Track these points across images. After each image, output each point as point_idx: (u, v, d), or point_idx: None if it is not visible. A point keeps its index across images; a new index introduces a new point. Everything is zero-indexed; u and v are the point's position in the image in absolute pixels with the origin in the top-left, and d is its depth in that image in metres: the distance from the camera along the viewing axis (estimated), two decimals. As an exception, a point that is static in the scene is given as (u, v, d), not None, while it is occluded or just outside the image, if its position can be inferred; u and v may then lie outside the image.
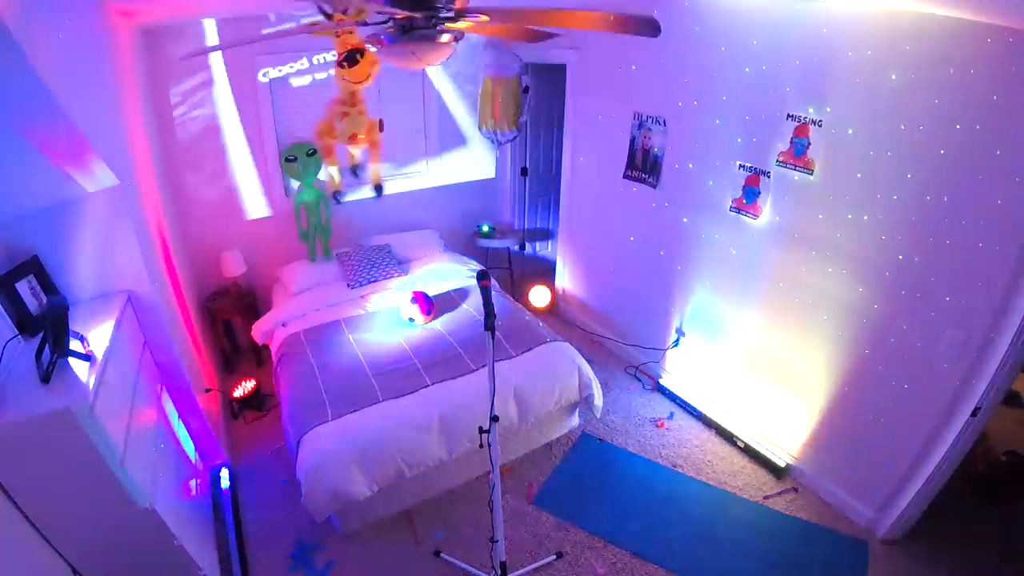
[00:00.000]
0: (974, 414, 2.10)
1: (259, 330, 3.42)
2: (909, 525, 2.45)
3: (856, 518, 2.62)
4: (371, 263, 3.79)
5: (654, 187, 3.34)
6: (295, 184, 3.76)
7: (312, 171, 3.70)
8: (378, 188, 3.92)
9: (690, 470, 2.95)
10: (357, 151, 3.67)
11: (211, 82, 3.31)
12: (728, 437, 3.15)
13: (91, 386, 1.56)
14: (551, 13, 1.40)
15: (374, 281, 3.72)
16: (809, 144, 2.44)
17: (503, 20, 1.56)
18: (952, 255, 2.05)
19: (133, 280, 2.19)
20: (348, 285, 3.68)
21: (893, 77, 2.09)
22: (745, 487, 2.85)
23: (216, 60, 3.27)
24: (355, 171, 3.83)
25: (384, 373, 2.81)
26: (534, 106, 4.14)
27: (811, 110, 2.40)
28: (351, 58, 2.74)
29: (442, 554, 2.45)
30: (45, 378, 1.52)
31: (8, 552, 1.39)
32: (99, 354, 1.74)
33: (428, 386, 2.71)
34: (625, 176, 3.52)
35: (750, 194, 2.76)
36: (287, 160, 3.62)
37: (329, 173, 3.75)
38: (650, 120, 3.23)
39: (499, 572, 2.11)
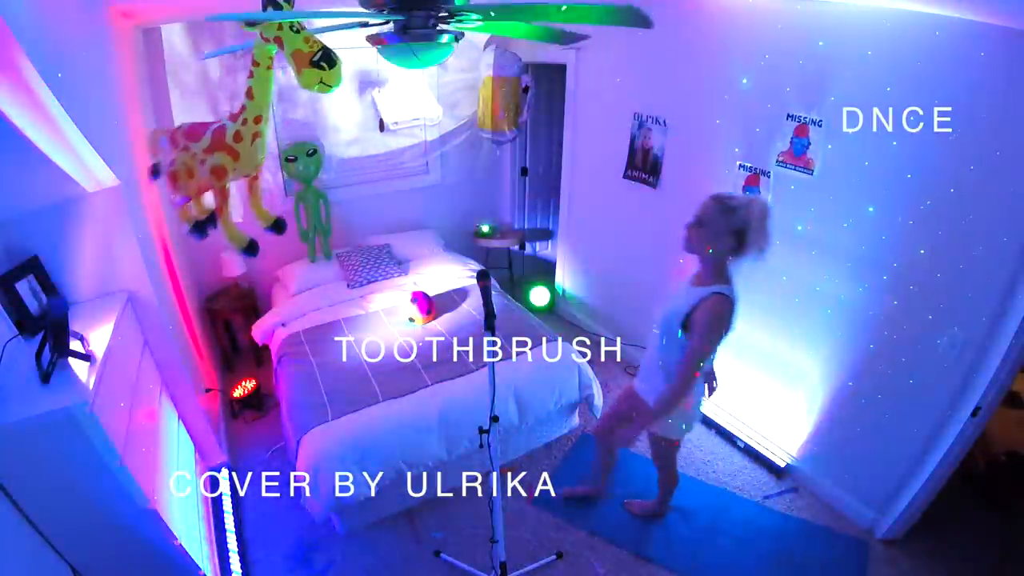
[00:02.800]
0: (974, 414, 2.09)
1: (259, 330, 3.42)
2: (909, 525, 2.45)
3: (856, 518, 2.62)
4: (371, 263, 3.80)
5: (654, 187, 3.34)
6: (295, 184, 3.76)
7: (313, 171, 3.70)
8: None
9: (690, 470, 2.95)
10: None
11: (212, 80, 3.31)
12: (728, 437, 3.15)
13: (91, 386, 1.56)
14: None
15: (374, 281, 3.72)
16: (809, 144, 2.44)
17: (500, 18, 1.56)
18: (952, 255, 2.05)
19: (133, 280, 2.19)
20: (348, 285, 3.68)
21: (893, 77, 2.09)
22: (745, 487, 2.85)
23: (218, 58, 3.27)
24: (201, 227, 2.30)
25: (384, 373, 2.81)
26: (534, 106, 4.14)
27: (811, 110, 2.40)
28: (328, 58, 1.78)
29: (442, 554, 2.45)
30: (45, 378, 1.52)
31: (8, 552, 1.39)
32: (99, 354, 1.74)
33: (428, 386, 2.71)
34: (625, 176, 3.51)
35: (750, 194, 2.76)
36: (287, 160, 3.61)
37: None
38: (650, 120, 3.23)
39: (499, 572, 2.11)
